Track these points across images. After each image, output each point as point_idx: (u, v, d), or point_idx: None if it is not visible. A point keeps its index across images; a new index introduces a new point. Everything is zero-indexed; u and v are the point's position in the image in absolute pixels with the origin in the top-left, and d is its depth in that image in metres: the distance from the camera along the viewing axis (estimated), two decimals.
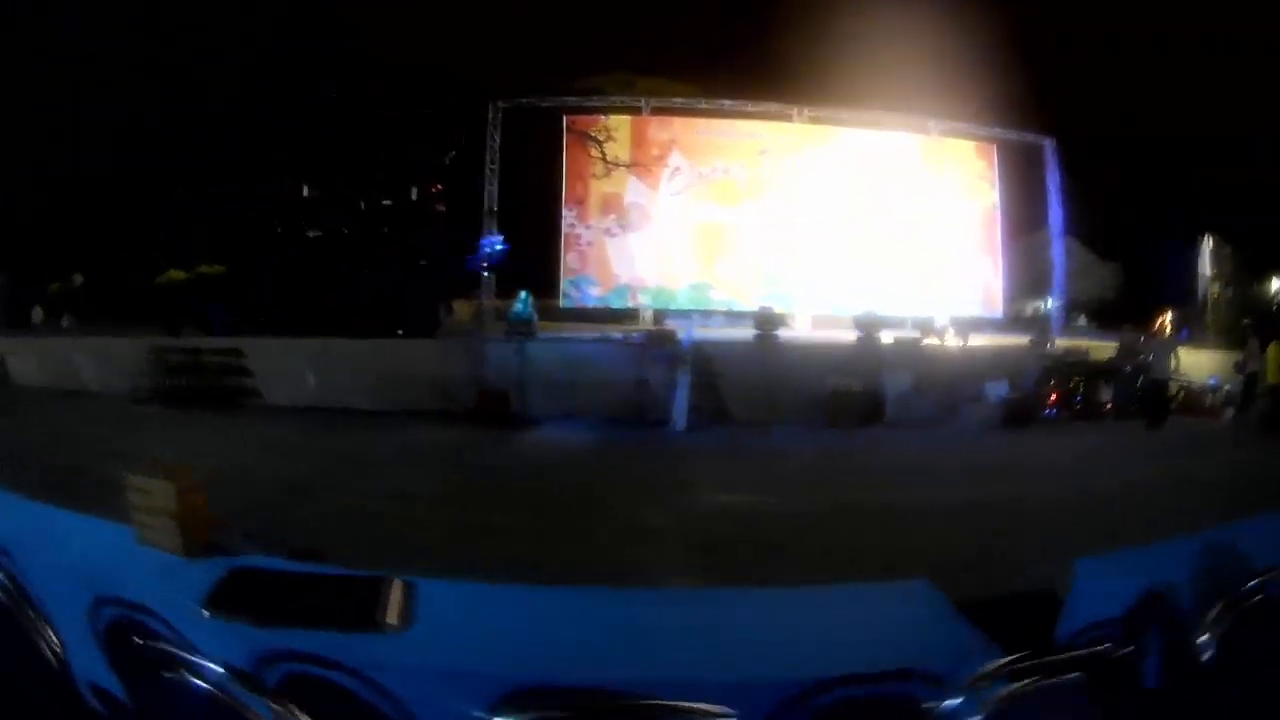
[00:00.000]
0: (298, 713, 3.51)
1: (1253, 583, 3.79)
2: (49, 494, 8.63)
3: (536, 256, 30.01)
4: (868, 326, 22.66)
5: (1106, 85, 32.11)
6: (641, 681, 3.40)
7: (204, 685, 3.64)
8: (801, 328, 28.01)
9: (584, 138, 30.78)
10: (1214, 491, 11.13)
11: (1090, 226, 33.83)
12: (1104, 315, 33.19)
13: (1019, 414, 19.49)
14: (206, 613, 3.88)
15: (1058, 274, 32.97)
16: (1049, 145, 32.89)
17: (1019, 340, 25.06)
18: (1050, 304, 34.46)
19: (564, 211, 30.68)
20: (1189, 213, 31.61)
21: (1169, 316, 26.56)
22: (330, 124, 31.18)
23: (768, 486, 12.78)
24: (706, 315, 29.23)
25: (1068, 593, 4.18)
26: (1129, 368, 20.97)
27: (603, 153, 30.64)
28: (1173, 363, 20.07)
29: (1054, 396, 20.73)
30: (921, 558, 8.52)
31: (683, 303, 30.26)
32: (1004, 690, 3.53)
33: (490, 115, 30.87)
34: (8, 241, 29.10)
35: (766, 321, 22.74)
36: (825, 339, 24.01)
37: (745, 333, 23.50)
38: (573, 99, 31.30)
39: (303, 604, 3.98)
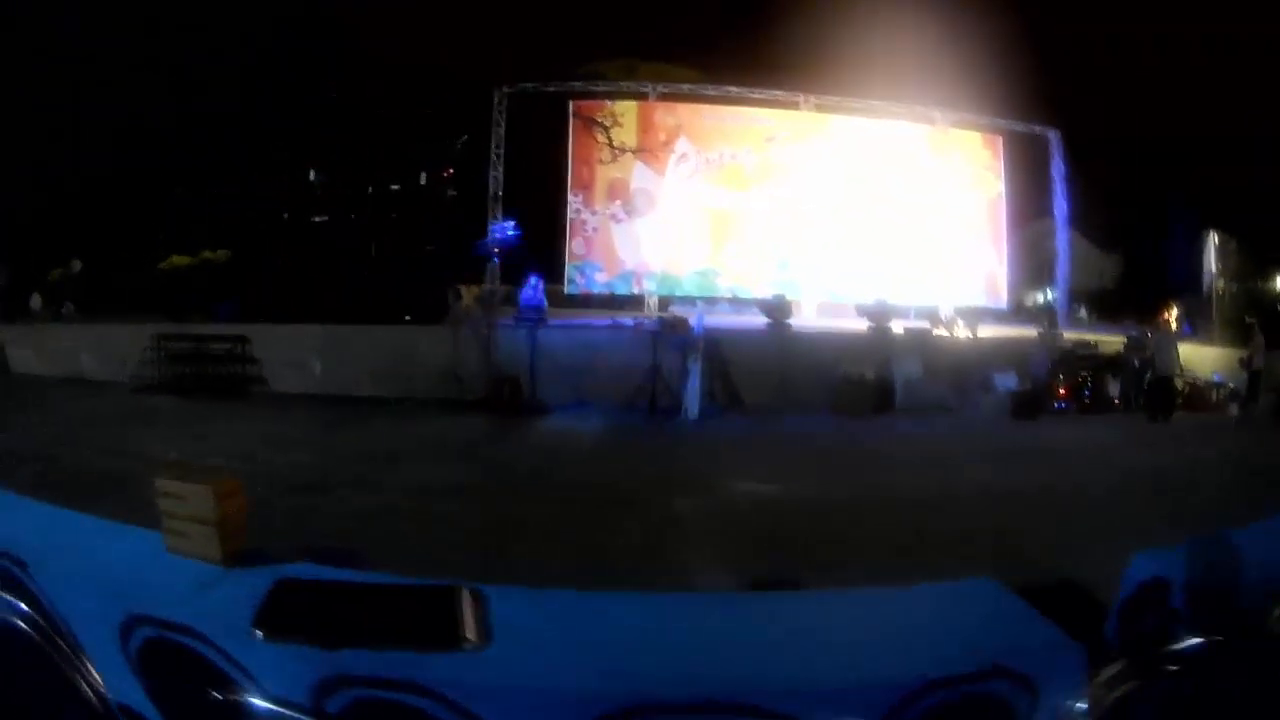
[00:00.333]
0: None
1: None
2: (54, 493, 8.76)
3: (540, 242, 29.95)
4: (878, 316, 22.57)
5: (1113, 78, 32.19)
6: (744, 690, 3.22)
7: (257, 716, 3.34)
8: (807, 315, 27.94)
9: (590, 123, 30.56)
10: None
11: (1094, 219, 33.87)
12: (1104, 307, 33.25)
13: (1028, 405, 19.51)
14: (259, 633, 3.44)
15: (1061, 266, 32.97)
16: (1054, 137, 32.87)
17: (1024, 331, 25.08)
18: (1051, 295, 34.57)
19: (569, 197, 30.50)
20: (1194, 207, 31.66)
21: (1173, 311, 26.60)
22: (331, 122, 31.15)
23: (792, 475, 12.69)
24: (711, 302, 29.22)
25: (1131, 586, 4.13)
26: (1137, 362, 20.97)
27: (609, 138, 30.44)
28: (1175, 358, 20.20)
29: (1063, 389, 20.73)
30: (962, 548, 8.65)
31: (688, 289, 30.22)
32: (1101, 688, 3.49)
33: (495, 101, 30.71)
34: (6, 230, 29.00)
35: (778, 309, 22.65)
36: (836, 327, 23.90)
37: (756, 320, 23.44)
38: (579, 84, 31.29)
39: (367, 620, 3.55)
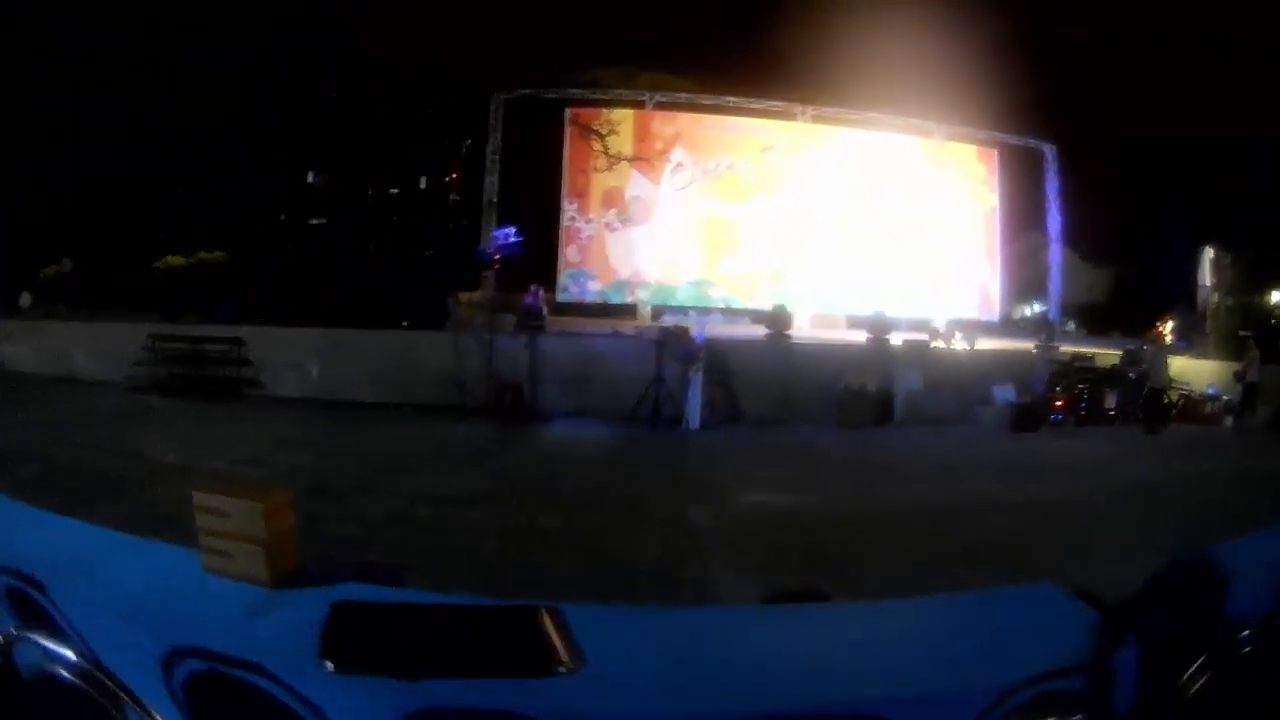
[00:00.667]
0: None
1: None
2: (51, 495, 8.25)
3: (535, 249, 29.91)
4: (877, 328, 22.65)
5: (1108, 92, 32.30)
6: (842, 701, 3.17)
7: None
8: (801, 327, 27.96)
9: (586, 130, 30.48)
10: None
11: (1087, 233, 33.98)
12: (1093, 320, 33.40)
13: (1027, 418, 19.54)
14: (329, 665, 3.08)
15: (1054, 279, 33.08)
16: (1049, 151, 32.98)
17: (1020, 344, 25.16)
18: (1038, 308, 34.74)
19: (564, 204, 30.40)
20: (1187, 222, 31.81)
21: (1168, 325, 26.76)
22: (331, 124, 31.09)
23: (800, 486, 12.69)
24: (704, 312, 29.04)
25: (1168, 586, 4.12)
26: (1133, 374, 21.09)
27: (605, 146, 30.36)
28: (1166, 371, 20.41)
29: (1061, 402, 20.79)
30: (980, 560, 8.68)
31: (682, 299, 30.13)
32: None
33: (492, 107, 30.53)
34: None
35: (778, 320, 22.71)
36: (835, 339, 23.99)
37: (753, 331, 23.51)
38: (576, 91, 31.10)
39: (449, 646, 3.26)
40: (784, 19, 33.50)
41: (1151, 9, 32.02)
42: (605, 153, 30.48)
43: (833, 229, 30.82)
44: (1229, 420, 20.84)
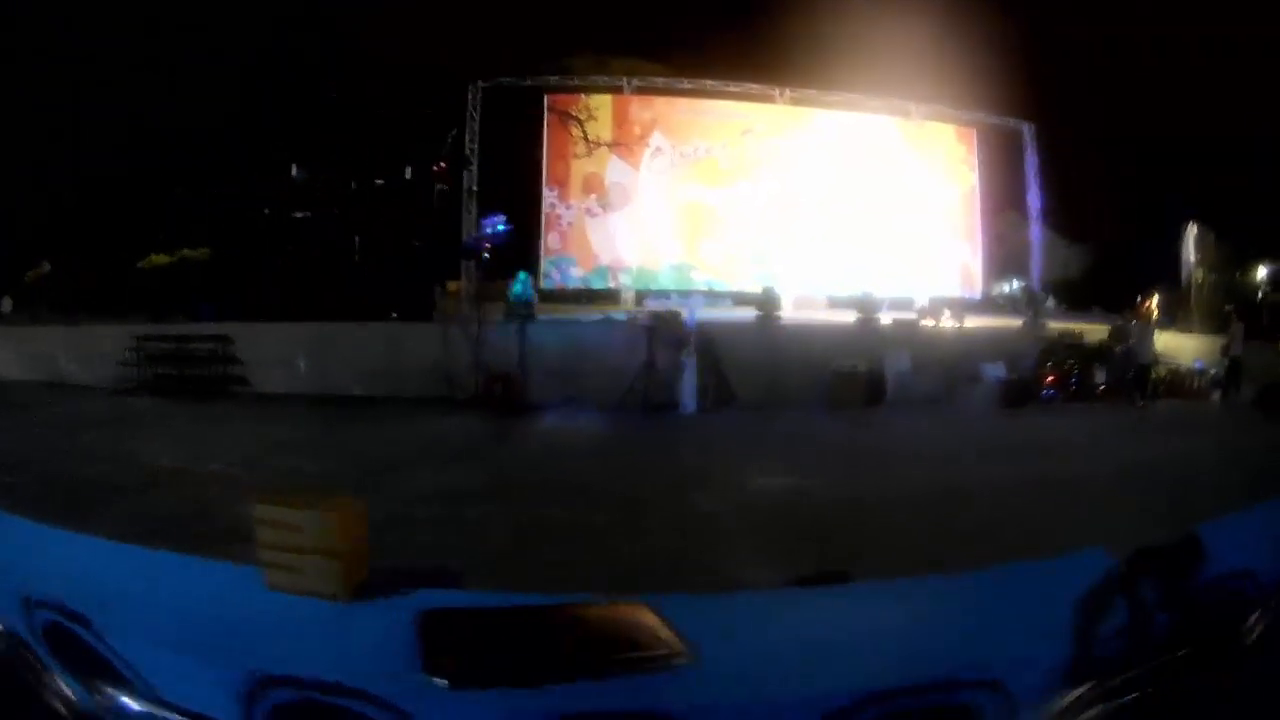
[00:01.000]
0: None
1: None
2: (45, 506, 8.01)
3: (516, 237, 29.81)
4: (866, 308, 22.73)
5: (1087, 69, 32.31)
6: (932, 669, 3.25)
7: None
8: (784, 308, 28.02)
9: (565, 117, 30.38)
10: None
11: (1066, 210, 34.09)
12: (1072, 296, 33.53)
13: (1017, 394, 19.68)
14: (441, 681, 2.89)
15: (1035, 256, 33.22)
16: (1027, 129, 33.10)
17: (1008, 321, 25.31)
18: (1016, 285, 34.86)
19: (544, 191, 30.32)
20: (1168, 199, 31.92)
21: (1154, 301, 26.89)
22: (313, 118, 30.89)
23: (801, 470, 12.54)
24: (686, 295, 28.78)
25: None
26: (1121, 350, 21.19)
27: (584, 132, 30.25)
28: (1151, 346, 20.55)
29: (1051, 378, 20.86)
30: (992, 537, 8.60)
31: (664, 283, 30.12)
32: None
33: (470, 95, 30.35)
34: None
35: (768, 303, 22.74)
36: (823, 320, 24.03)
37: (741, 313, 23.52)
38: (554, 78, 30.88)
39: (563, 650, 3.13)
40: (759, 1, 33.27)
41: None
42: (584, 138, 30.39)
43: (813, 210, 30.92)
44: (1216, 394, 20.93)
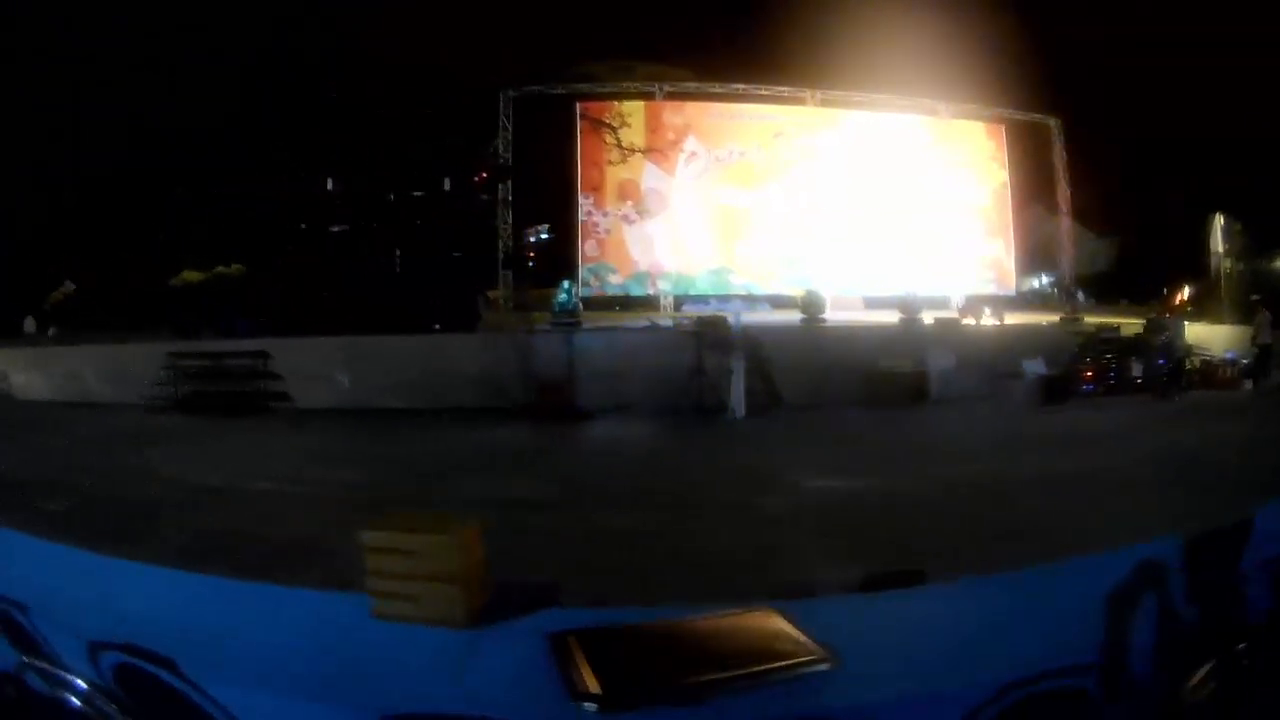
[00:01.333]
0: None
1: None
2: (84, 531, 8.06)
3: (553, 245, 30.08)
4: (908, 308, 22.90)
5: (1112, 64, 32.37)
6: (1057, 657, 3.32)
7: None
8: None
9: (598, 124, 30.64)
10: None
11: (1095, 204, 34.13)
12: (1100, 290, 33.58)
13: (1058, 389, 19.73)
14: (590, 706, 2.78)
15: (1066, 251, 33.33)
16: (1055, 125, 33.20)
17: (1045, 316, 25.44)
18: (1045, 280, 34.98)
19: (580, 199, 30.48)
20: (1195, 191, 31.95)
21: (1185, 293, 27.03)
22: (346, 129, 31.00)
23: (858, 469, 12.63)
24: (725, 300, 28.79)
25: None
26: (1158, 342, 21.35)
27: (617, 139, 30.55)
28: (1183, 338, 20.73)
29: (1090, 372, 21.00)
30: (1062, 531, 8.67)
31: (702, 288, 30.27)
32: None
33: (501, 105, 30.58)
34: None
35: (812, 305, 22.93)
36: (865, 320, 24.13)
37: (781, 316, 23.66)
38: (585, 86, 31.12)
39: (704, 663, 2.97)
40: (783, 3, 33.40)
41: None
42: (618, 145, 30.63)
43: (847, 211, 31.08)
44: (1247, 384, 21.14)
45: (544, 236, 22.09)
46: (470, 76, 31.50)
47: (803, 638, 3.24)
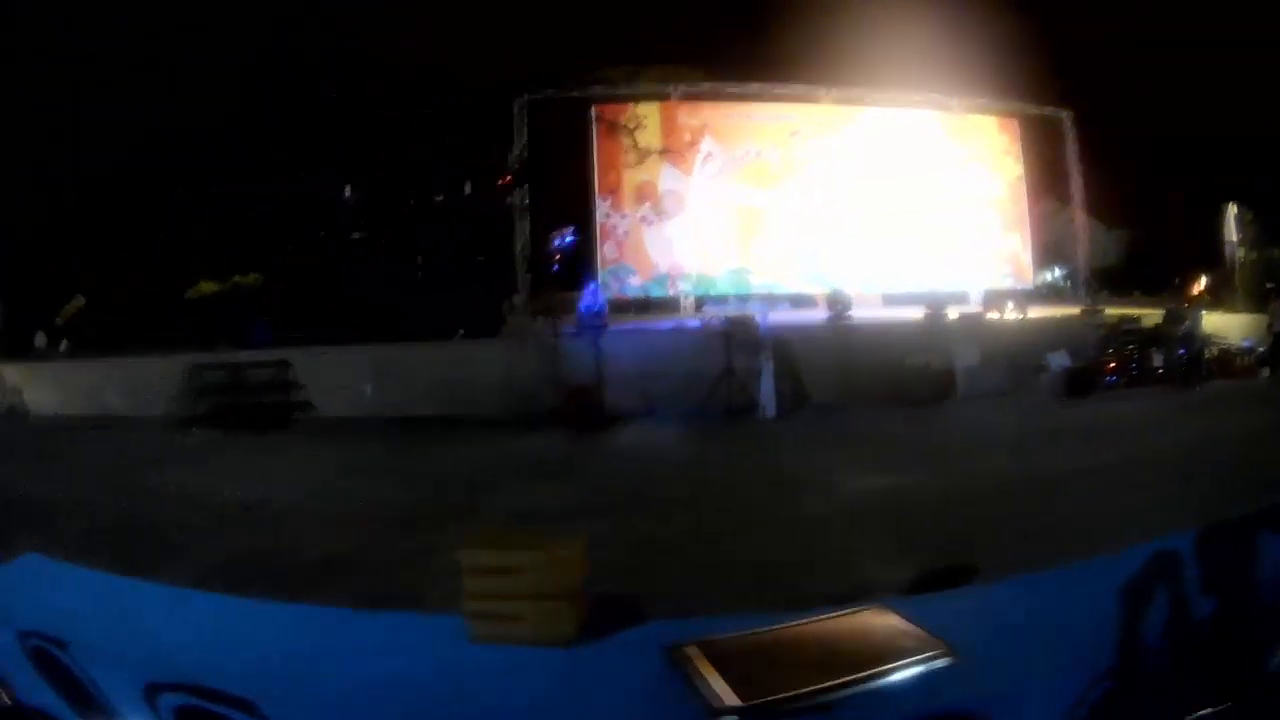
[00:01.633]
0: None
1: None
2: (110, 554, 7.78)
3: (572, 248, 30.17)
4: (934, 305, 23.04)
5: (1124, 53, 32.44)
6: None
7: None
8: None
9: (613, 126, 30.70)
10: None
11: (1106, 195, 34.18)
12: (1112, 282, 33.65)
13: (1082, 382, 19.84)
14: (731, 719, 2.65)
15: (1080, 244, 33.45)
16: (1067, 117, 33.32)
17: (1066, 310, 25.50)
18: (1058, 273, 35.10)
19: (597, 201, 30.47)
20: (1207, 180, 32.01)
21: (1202, 283, 27.14)
22: (365, 135, 31.04)
23: (895, 467, 12.65)
24: (745, 300, 28.73)
25: None
26: (1178, 333, 21.48)
27: (634, 140, 30.61)
28: (1202, 328, 21.03)
29: (1113, 364, 21.12)
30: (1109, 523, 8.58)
31: (722, 288, 30.20)
32: None
33: (516, 109, 30.64)
34: (5, 264, 28.61)
35: (838, 303, 23.06)
36: (891, 318, 24.30)
37: (809, 315, 23.79)
38: (599, 88, 31.19)
39: (825, 667, 2.90)
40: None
41: None
42: (635, 147, 30.72)
43: (863, 207, 31.11)
44: (1264, 372, 21.40)
45: (569, 240, 22.11)
46: (485, 81, 31.55)
47: (922, 632, 3.23)
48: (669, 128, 30.94)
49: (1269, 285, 25.70)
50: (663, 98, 31.14)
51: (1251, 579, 3.84)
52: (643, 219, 30.51)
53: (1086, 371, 20.38)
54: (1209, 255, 31.17)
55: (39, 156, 28.69)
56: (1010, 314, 24.81)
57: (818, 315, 24.02)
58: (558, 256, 21.89)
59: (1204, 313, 22.14)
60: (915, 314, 23.45)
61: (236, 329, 23.65)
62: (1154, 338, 22.04)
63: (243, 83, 32.15)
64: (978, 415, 17.83)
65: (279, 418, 18.92)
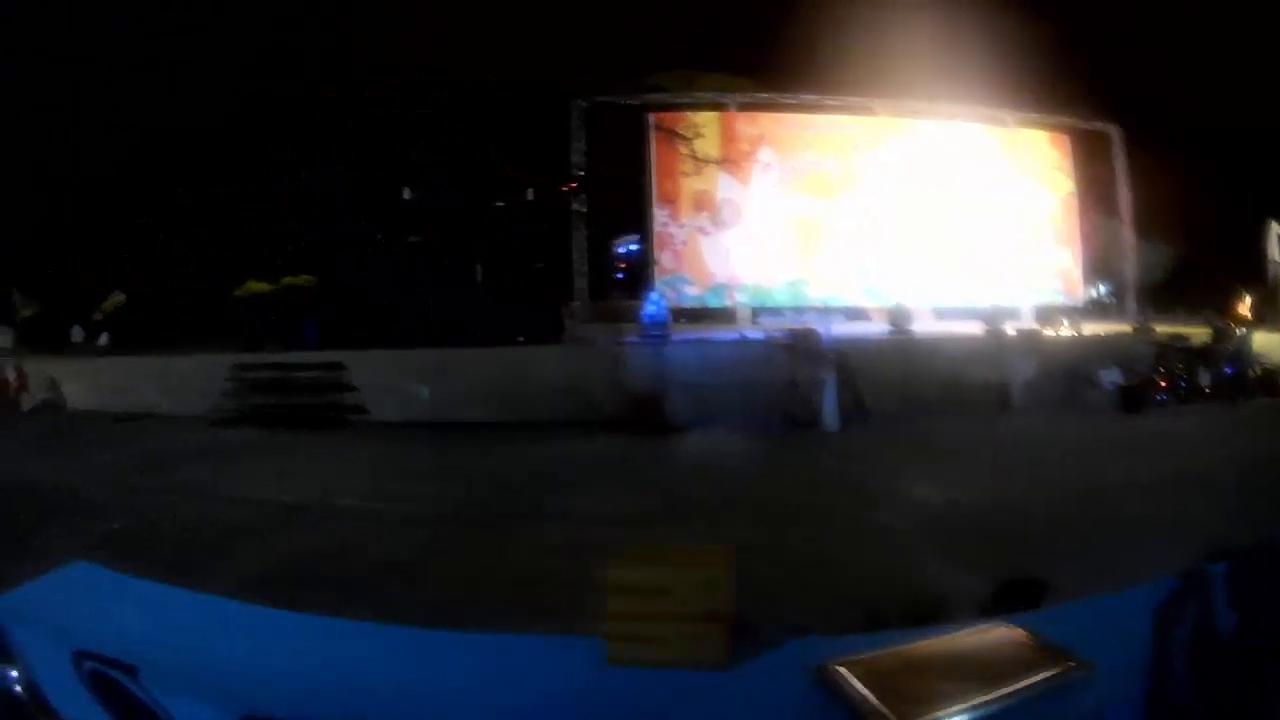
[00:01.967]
0: None
1: None
2: (150, 563, 7.68)
3: (629, 256, 30.44)
4: (992, 320, 23.42)
5: (1170, 70, 32.58)
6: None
7: None
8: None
9: (671, 135, 30.90)
10: None
11: (1153, 212, 34.28)
12: (1156, 299, 33.76)
13: (1135, 399, 20.23)
14: None
15: (1129, 260, 33.60)
16: (1115, 133, 33.55)
17: (1118, 326, 25.81)
18: (1103, 290, 35.25)
19: (655, 210, 30.65)
20: (1255, 197, 32.06)
21: (1247, 301, 27.31)
22: (424, 138, 31.30)
23: (957, 479, 12.83)
24: (801, 312, 29.29)
25: None
26: (1232, 350, 21.74)
27: (692, 150, 30.79)
28: (1250, 346, 21.66)
29: (1163, 381, 21.41)
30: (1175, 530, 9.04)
31: (780, 300, 30.47)
32: None
33: (573, 115, 30.98)
34: (40, 258, 29.15)
35: (900, 317, 23.43)
36: (950, 332, 24.63)
37: (869, 328, 24.24)
38: (657, 96, 31.44)
39: (968, 683, 2.80)
40: (838, 13, 33.71)
41: None
42: (693, 156, 30.85)
43: (917, 221, 31.26)
44: None
45: (633, 248, 22.38)
46: (545, 85, 31.79)
47: (1052, 648, 3.05)
48: (727, 137, 31.15)
49: None
50: (720, 107, 31.38)
51: None
52: (700, 229, 30.70)
53: (1139, 388, 20.67)
54: (1252, 273, 31.21)
55: (84, 152, 29.13)
56: (1064, 330, 25.11)
57: (876, 328, 24.32)
58: (622, 265, 22.06)
59: (1248, 332, 22.28)
60: (973, 328, 23.83)
61: (285, 330, 23.75)
62: (1202, 355, 22.29)
63: (302, 83, 32.59)
64: (1036, 428, 18.00)
65: (330, 419, 19.12)
